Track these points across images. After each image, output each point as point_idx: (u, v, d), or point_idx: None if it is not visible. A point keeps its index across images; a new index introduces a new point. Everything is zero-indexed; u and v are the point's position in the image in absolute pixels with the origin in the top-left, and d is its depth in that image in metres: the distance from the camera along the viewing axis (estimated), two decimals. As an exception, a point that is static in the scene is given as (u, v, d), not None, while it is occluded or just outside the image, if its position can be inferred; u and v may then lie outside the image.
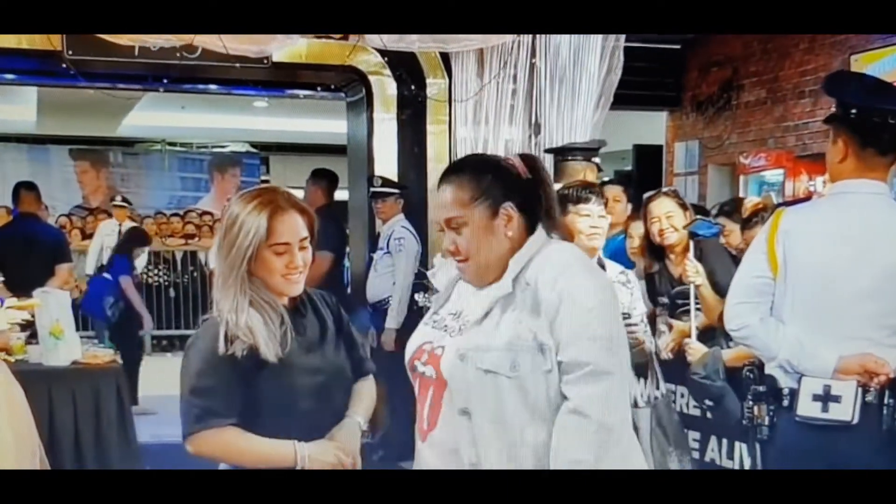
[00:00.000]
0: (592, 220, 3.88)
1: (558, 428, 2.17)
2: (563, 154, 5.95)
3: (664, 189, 4.85)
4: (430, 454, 2.38)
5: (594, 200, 3.88)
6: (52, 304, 4.99)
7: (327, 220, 7.19)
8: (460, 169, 2.42)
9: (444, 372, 2.30)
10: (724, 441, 4.14)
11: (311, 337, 2.57)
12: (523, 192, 2.34)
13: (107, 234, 10.60)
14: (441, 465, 2.32)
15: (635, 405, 3.65)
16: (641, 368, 3.87)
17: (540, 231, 2.35)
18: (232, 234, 2.44)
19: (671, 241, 4.54)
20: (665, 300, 4.59)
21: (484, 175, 2.35)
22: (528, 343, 2.21)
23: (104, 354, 5.33)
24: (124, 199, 11.32)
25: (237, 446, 2.44)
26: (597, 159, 5.93)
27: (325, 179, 7.37)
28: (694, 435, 4.29)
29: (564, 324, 2.18)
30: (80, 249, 11.09)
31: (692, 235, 4.36)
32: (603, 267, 3.75)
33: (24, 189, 7.38)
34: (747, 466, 3.68)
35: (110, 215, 11.41)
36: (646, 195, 4.74)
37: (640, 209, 4.86)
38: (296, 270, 2.48)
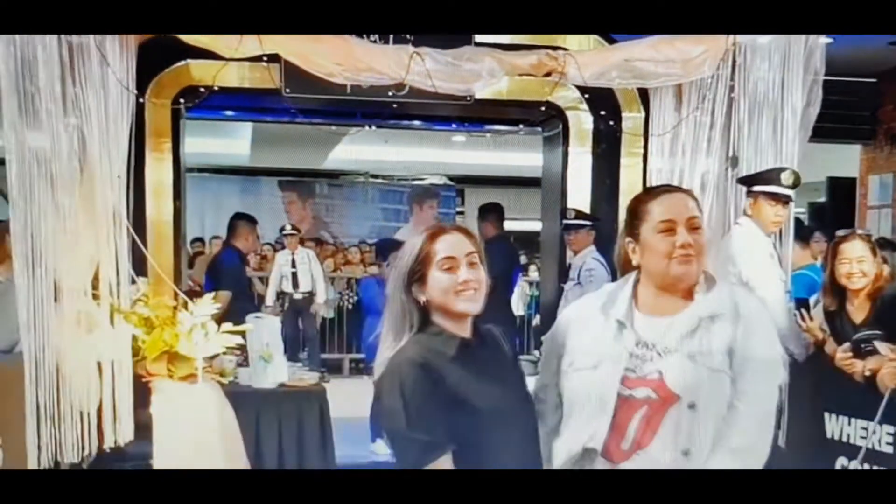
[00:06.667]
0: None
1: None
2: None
3: (859, 231, 4.66)
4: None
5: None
6: (264, 329, 5.23)
7: (497, 247, 7.43)
8: (679, 188, 2.89)
9: (673, 382, 2.54)
10: None
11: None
12: None
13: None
14: None
15: None
16: None
17: None
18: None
19: (857, 287, 4.42)
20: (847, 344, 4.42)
21: None
22: (724, 348, 2.55)
23: (310, 378, 5.54)
24: (294, 228, 11.71)
25: None
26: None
27: (492, 213, 7.90)
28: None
29: (753, 333, 2.56)
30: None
31: None
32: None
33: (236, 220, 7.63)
34: None
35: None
36: (838, 233, 4.60)
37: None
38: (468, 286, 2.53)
